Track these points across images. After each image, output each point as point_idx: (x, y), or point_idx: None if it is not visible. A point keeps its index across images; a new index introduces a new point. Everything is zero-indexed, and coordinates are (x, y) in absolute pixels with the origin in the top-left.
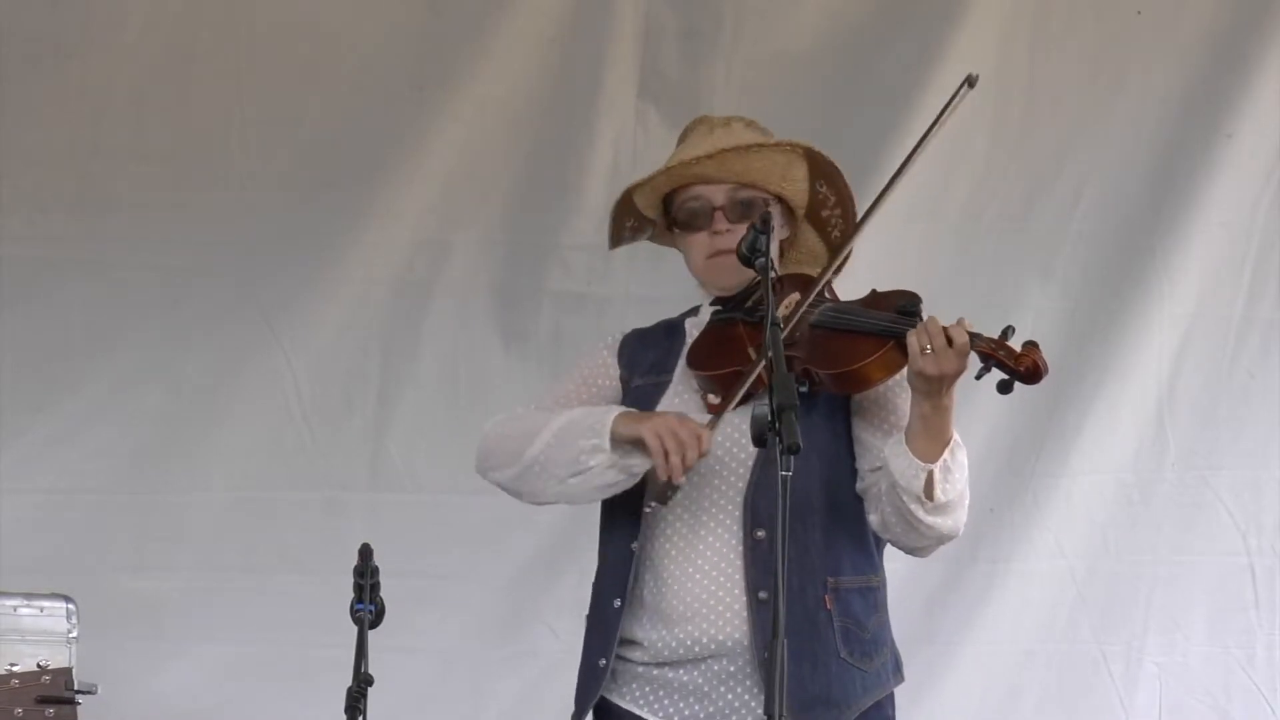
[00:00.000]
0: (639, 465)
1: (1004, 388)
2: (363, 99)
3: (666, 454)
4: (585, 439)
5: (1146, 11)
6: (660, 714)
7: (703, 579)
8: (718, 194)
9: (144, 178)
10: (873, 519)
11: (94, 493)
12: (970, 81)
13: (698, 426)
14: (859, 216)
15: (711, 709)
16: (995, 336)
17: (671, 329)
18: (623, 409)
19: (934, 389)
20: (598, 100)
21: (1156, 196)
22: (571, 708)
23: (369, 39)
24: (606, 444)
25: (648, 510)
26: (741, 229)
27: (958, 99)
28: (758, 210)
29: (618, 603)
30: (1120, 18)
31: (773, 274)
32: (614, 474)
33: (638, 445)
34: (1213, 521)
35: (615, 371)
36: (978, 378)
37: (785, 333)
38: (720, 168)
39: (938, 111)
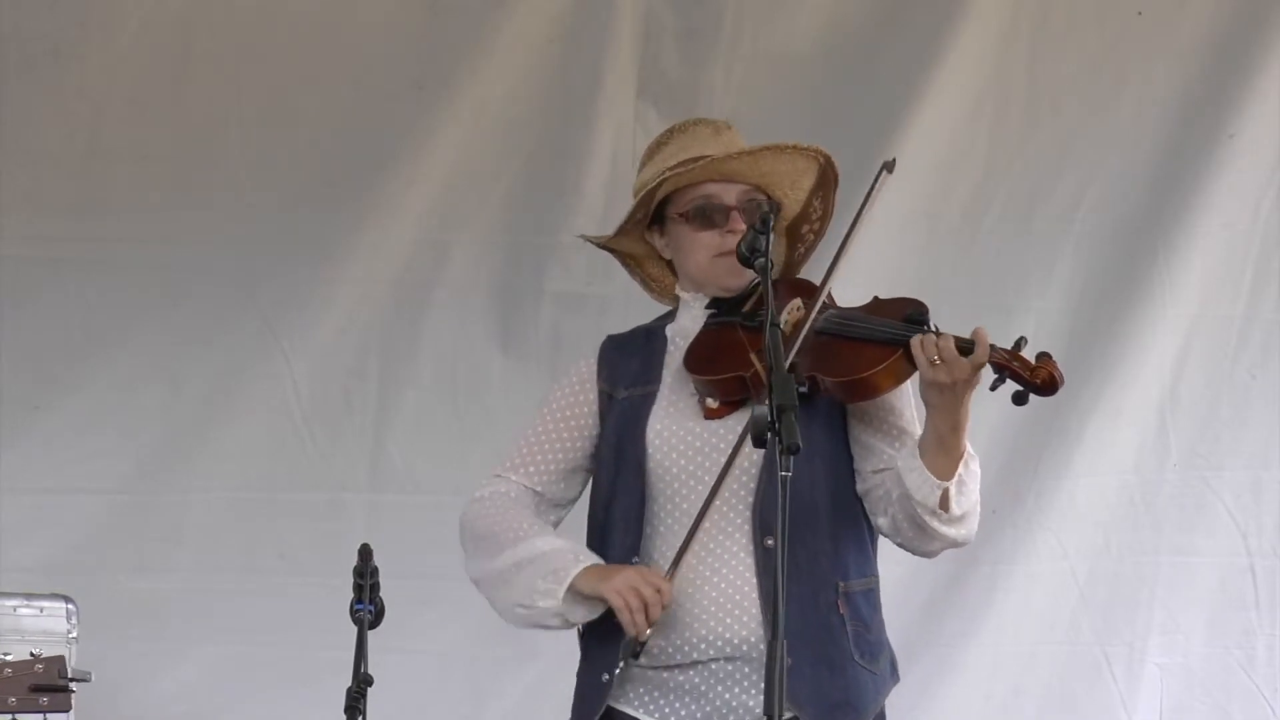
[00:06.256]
0: (579, 618)
1: (1019, 399)
2: (362, 99)
3: (631, 611)
4: (543, 582)
5: (1147, 12)
6: (656, 714)
7: (709, 589)
8: (729, 194)
9: (143, 178)
10: (881, 522)
11: (94, 493)
12: (888, 167)
13: (658, 579)
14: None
15: (709, 708)
16: (1009, 348)
17: (650, 334)
18: (589, 563)
19: (948, 401)
20: (597, 100)
21: (1158, 197)
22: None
23: (368, 39)
24: (560, 595)
25: (619, 670)
26: None
27: (878, 185)
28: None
29: None
30: (1121, 18)
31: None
32: (554, 620)
33: (600, 601)
34: (1214, 522)
35: (594, 393)
36: (992, 389)
37: (797, 344)
38: (753, 166)
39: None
